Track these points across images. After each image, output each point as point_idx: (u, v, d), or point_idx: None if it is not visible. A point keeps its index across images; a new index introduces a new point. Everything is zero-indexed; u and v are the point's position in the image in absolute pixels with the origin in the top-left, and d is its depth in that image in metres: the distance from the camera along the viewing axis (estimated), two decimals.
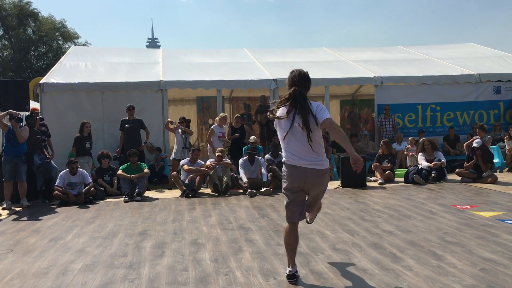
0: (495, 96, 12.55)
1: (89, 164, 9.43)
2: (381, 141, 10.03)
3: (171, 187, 9.55)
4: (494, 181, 8.70)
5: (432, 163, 9.21)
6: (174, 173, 9.10)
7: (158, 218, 6.66)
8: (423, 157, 9.41)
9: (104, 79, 11.28)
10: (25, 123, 8.29)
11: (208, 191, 8.95)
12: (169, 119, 10.22)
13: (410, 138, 11.28)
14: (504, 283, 3.69)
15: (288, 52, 15.17)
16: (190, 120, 10.46)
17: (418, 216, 6.19)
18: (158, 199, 8.39)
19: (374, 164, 9.60)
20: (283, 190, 3.93)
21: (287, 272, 3.88)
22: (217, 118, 10.10)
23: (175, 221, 6.45)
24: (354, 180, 8.86)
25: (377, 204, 7.21)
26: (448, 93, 12.33)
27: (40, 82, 10.82)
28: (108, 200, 8.39)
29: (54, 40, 35.43)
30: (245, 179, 8.65)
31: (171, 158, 10.11)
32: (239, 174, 8.96)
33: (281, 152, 3.96)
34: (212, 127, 9.84)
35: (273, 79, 11.52)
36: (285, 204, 3.91)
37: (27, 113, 8.80)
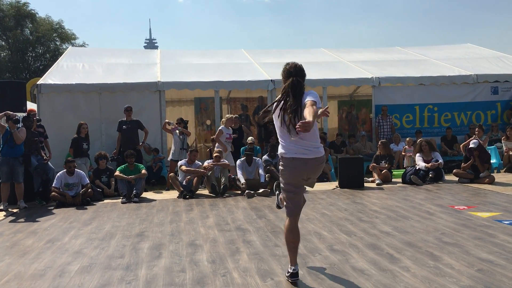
0: (492, 97, 12.58)
1: (86, 165, 9.42)
2: (379, 142, 10.05)
3: (169, 188, 9.55)
4: (492, 181, 8.72)
5: (430, 164, 9.22)
6: (171, 174, 9.09)
7: (156, 219, 6.65)
8: (421, 158, 9.42)
9: (101, 80, 11.26)
10: (22, 124, 8.28)
11: (205, 192, 8.94)
12: (167, 120, 10.21)
13: (407, 139, 11.29)
14: (501, 284, 3.69)
15: (286, 53, 15.20)
16: (187, 121, 10.48)
17: (416, 217, 6.20)
18: (155, 200, 8.38)
19: (371, 164, 9.61)
20: (282, 185, 3.90)
21: (291, 270, 3.86)
22: (224, 119, 10.05)
23: (173, 222, 6.45)
24: (352, 180, 8.87)
25: (374, 204, 7.21)
26: (446, 93, 12.37)
27: (37, 83, 10.80)
28: (106, 201, 8.37)
29: (51, 41, 35.44)
30: (242, 180, 8.65)
31: (168, 159, 10.10)
32: (237, 175, 8.95)
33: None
34: (220, 127, 9.79)
35: (271, 80, 11.53)
36: (285, 198, 3.88)
37: (24, 114, 8.78)
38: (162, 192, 9.28)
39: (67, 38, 35.78)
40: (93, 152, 9.61)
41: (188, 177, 8.72)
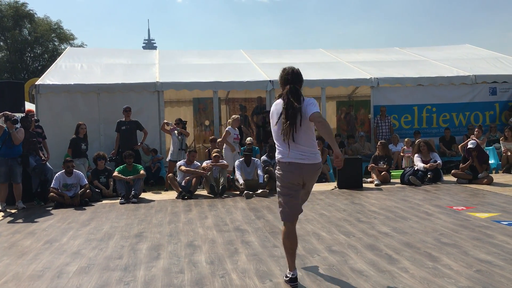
0: (490, 97, 12.61)
1: (84, 166, 9.40)
2: (378, 142, 10.05)
3: (167, 188, 9.54)
4: (490, 182, 8.73)
5: (428, 164, 9.23)
6: (170, 174, 9.08)
7: (154, 220, 6.65)
8: (419, 158, 9.43)
9: (100, 80, 11.26)
10: (20, 124, 8.26)
11: (204, 192, 8.93)
12: (165, 121, 10.21)
13: (406, 139, 11.30)
14: (500, 285, 3.69)
15: (284, 54, 15.21)
16: (186, 121, 10.48)
17: (414, 218, 6.20)
18: (154, 200, 8.37)
19: (370, 165, 9.61)
20: (278, 189, 3.90)
21: (290, 276, 3.83)
22: (230, 120, 10.04)
23: (171, 223, 6.44)
24: (350, 181, 8.87)
25: (373, 205, 7.21)
26: (444, 94, 12.38)
27: (36, 83, 10.79)
28: (104, 202, 8.36)
29: (50, 41, 35.40)
30: (241, 181, 8.64)
31: (167, 159, 10.09)
32: (235, 175, 8.94)
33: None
34: (227, 128, 9.77)
35: (269, 80, 11.53)
36: (282, 202, 3.86)
37: (23, 114, 8.77)
38: (160, 193, 9.28)
39: (66, 38, 35.75)
40: (91, 153, 9.59)
41: (187, 177, 8.72)
